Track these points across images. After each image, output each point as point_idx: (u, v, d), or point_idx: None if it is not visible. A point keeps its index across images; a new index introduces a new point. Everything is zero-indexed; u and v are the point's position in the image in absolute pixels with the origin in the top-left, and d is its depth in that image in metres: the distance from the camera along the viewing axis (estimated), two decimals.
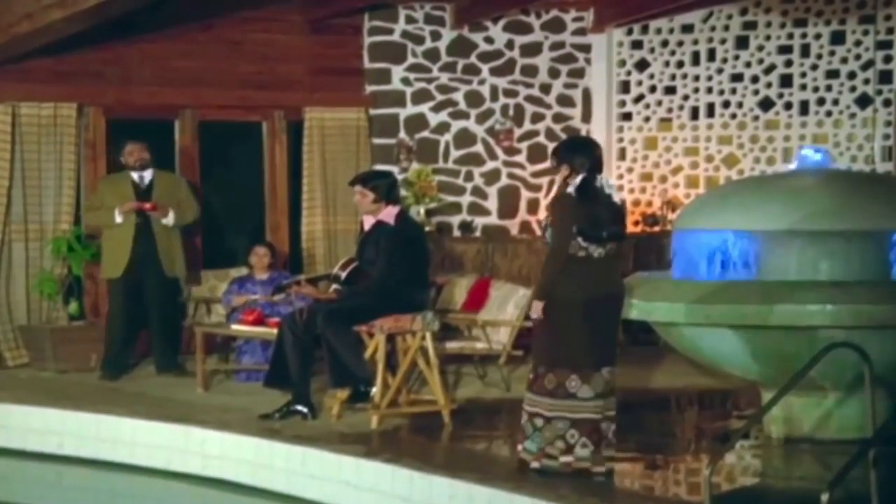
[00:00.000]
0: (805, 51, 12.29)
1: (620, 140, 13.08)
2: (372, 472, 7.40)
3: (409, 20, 12.55)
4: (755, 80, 12.49)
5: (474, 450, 8.04)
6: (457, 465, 7.30)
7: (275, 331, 8.93)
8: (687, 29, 12.79)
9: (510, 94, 12.92)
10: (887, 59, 11.89)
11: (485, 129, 12.86)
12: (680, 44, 12.82)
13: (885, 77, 11.87)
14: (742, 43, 12.55)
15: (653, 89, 12.94)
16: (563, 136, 12.56)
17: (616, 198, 7.14)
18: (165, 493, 8.56)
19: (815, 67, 12.24)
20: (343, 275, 8.74)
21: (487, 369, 10.13)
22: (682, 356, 8.49)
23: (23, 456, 9.11)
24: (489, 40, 12.84)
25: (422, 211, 12.17)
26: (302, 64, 12.15)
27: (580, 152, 7.14)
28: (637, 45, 13.00)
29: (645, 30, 12.94)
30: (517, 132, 12.96)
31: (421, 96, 12.59)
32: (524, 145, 12.95)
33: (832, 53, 12.16)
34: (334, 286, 8.88)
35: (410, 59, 12.56)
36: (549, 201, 7.38)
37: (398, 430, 8.40)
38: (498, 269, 11.96)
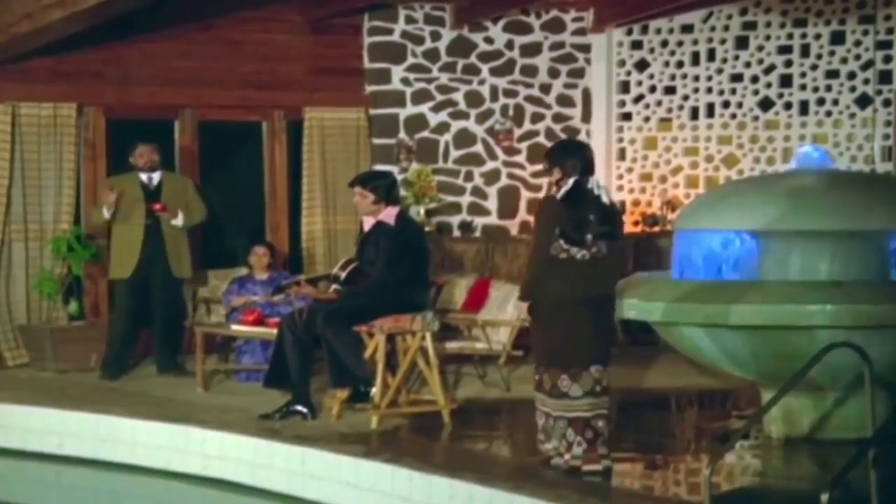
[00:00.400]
0: (805, 51, 12.29)
1: (620, 140, 13.08)
2: (372, 473, 7.40)
3: (409, 20, 12.55)
4: (755, 80, 12.49)
5: (474, 450, 8.03)
6: (456, 466, 7.29)
7: (274, 331, 8.92)
8: (687, 29, 12.79)
9: (510, 94, 12.92)
10: (887, 59, 11.89)
11: (485, 129, 12.85)
12: (680, 44, 12.82)
13: (884, 77, 11.87)
14: (742, 43, 12.55)
15: (653, 89, 12.93)
16: (564, 136, 12.57)
17: (606, 199, 7.19)
18: (165, 493, 8.56)
19: (814, 67, 12.24)
20: (343, 275, 8.74)
21: (487, 369, 10.12)
22: (682, 356, 8.48)
23: (23, 456, 9.09)
24: (489, 40, 12.84)
25: (422, 211, 12.17)
26: (302, 64, 12.15)
27: (572, 155, 7.21)
28: (637, 45, 13.00)
29: (645, 30, 12.94)
30: (517, 132, 12.96)
31: (421, 96, 12.59)
32: (524, 145, 12.95)
33: (832, 53, 12.16)
34: (334, 286, 8.87)
35: (410, 59, 12.56)
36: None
37: (398, 431, 8.39)
38: (498, 269, 11.96)
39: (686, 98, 12.80)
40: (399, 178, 12.13)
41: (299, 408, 8.62)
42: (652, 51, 12.92)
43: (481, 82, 12.83)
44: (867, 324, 7.19)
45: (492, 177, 12.88)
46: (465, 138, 12.77)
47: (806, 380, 6.62)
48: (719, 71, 12.64)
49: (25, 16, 9.40)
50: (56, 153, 11.13)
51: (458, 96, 12.75)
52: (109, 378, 10.28)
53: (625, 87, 13.08)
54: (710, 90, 12.70)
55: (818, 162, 8.23)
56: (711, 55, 12.69)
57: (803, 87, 12.29)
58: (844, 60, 12.09)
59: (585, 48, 13.11)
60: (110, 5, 8.98)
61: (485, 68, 12.83)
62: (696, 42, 12.76)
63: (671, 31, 12.84)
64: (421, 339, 8.48)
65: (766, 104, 12.47)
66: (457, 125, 12.74)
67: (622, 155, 13.06)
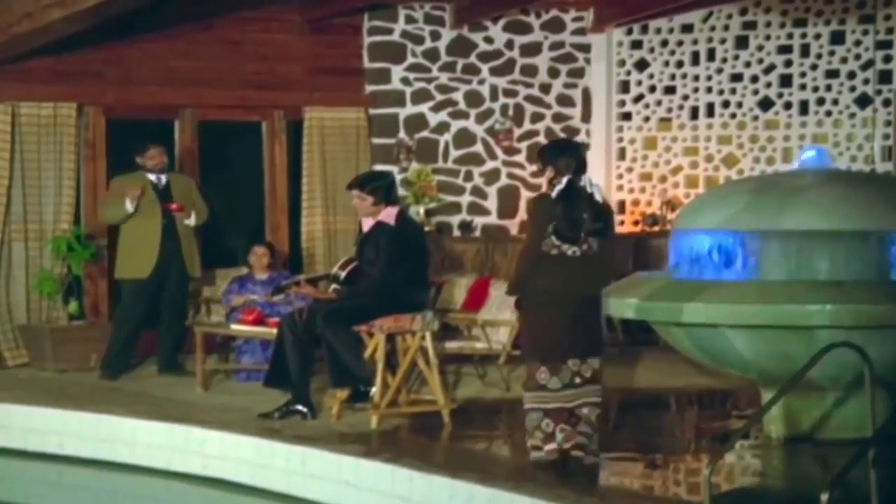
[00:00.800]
0: (805, 51, 12.29)
1: (620, 140, 13.07)
2: (372, 472, 7.39)
3: (409, 20, 12.55)
4: (755, 79, 12.49)
5: (474, 450, 8.03)
6: (457, 465, 7.28)
7: (274, 330, 8.91)
8: (687, 29, 12.78)
9: (510, 93, 12.92)
10: (887, 59, 11.89)
11: (484, 128, 12.85)
12: (680, 43, 12.82)
13: (884, 77, 11.87)
14: (742, 43, 12.54)
15: (652, 89, 12.93)
16: (564, 135, 12.57)
17: (599, 196, 7.24)
18: (165, 493, 8.55)
19: (814, 67, 12.24)
20: (342, 274, 8.74)
21: (487, 369, 10.12)
22: (682, 356, 8.48)
23: (23, 456, 9.09)
24: (489, 40, 12.83)
25: (421, 211, 12.17)
26: (302, 64, 12.15)
27: (565, 154, 7.28)
28: (637, 44, 13.00)
29: (644, 29, 12.94)
30: (517, 132, 12.95)
31: (420, 96, 12.59)
32: (524, 145, 12.94)
33: (832, 53, 12.16)
34: (334, 286, 8.87)
35: (410, 59, 12.56)
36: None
37: (398, 430, 8.39)
38: (498, 269, 11.96)
39: (686, 98, 12.80)
40: (399, 177, 12.16)
41: (299, 407, 8.61)
42: (652, 50, 12.92)
43: (481, 82, 12.83)
44: (867, 324, 7.20)
45: (491, 176, 12.88)
46: (464, 138, 12.77)
47: (806, 380, 6.61)
48: (719, 71, 12.64)
49: (25, 15, 9.39)
50: (56, 153, 11.13)
51: (458, 96, 12.74)
52: (109, 378, 10.27)
53: (625, 87, 13.07)
54: (709, 90, 12.70)
55: (818, 162, 8.23)
56: (711, 55, 12.68)
57: (803, 87, 12.29)
58: (844, 60, 12.09)
59: (585, 48, 13.10)
60: (110, 5, 8.96)
61: (485, 68, 12.82)
62: (695, 42, 12.75)
63: (671, 30, 12.84)
64: (421, 339, 8.47)
65: (765, 104, 12.47)
66: (457, 125, 12.74)
67: (622, 155, 13.06)
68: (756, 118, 12.50)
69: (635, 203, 12.94)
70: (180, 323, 10.62)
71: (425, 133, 12.63)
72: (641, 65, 12.98)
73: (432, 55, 12.64)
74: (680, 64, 12.82)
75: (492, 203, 12.88)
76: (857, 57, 12.03)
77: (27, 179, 11.06)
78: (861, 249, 7.53)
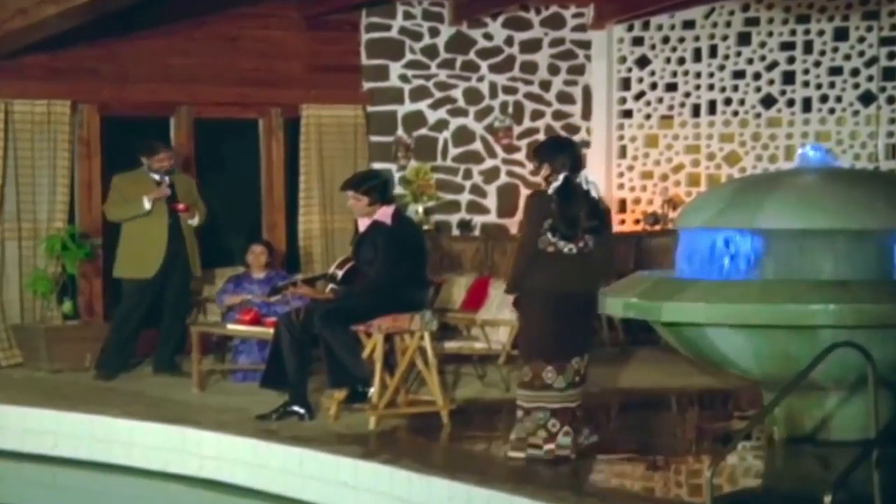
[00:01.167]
0: (808, 47, 12.23)
1: (621, 138, 13.02)
2: (370, 474, 7.37)
3: (407, 16, 12.49)
4: (757, 76, 12.44)
5: (473, 450, 8.00)
6: (455, 466, 7.26)
7: (271, 330, 8.87)
8: (688, 25, 12.73)
9: (509, 91, 12.86)
10: (891, 56, 11.84)
11: (484, 126, 12.80)
12: (681, 40, 12.76)
13: (888, 74, 11.83)
14: (744, 39, 12.50)
15: (654, 86, 12.88)
16: (564, 133, 12.51)
17: (595, 193, 7.30)
18: (162, 495, 8.53)
19: (817, 64, 12.18)
20: (340, 274, 8.71)
21: (486, 369, 10.08)
22: (682, 356, 8.43)
23: (18, 457, 9.06)
24: (488, 37, 12.77)
25: (420, 209, 12.12)
26: (299, 61, 12.10)
27: (561, 152, 7.35)
28: (638, 41, 12.94)
29: (646, 26, 12.88)
30: (516, 129, 12.90)
31: (419, 93, 12.53)
32: (523, 143, 12.88)
33: (835, 50, 12.10)
34: (331, 286, 8.83)
35: (408, 56, 12.50)
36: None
37: (396, 431, 8.36)
38: (497, 268, 11.90)
39: (687, 95, 12.75)
40: (397, 175, 12.12)
41: (296, 408, 8.58)
42: (653, 47, 12.86)
43: (480, 79, 12.77)
44: (870, 323, 7.16)
45: (491, 175, 12.82)
46: (463, 136, 12.72)
47: (808, 380, 6.57)
48: (721, 67, 12.58)
49: (19, 11, 9.35)
50: (50, 151, 11.08)
51: (457, 93, 12.69)
52: (105, 378, 10.23)
53: (625, 84, 13.02)
54: (711, 87, 12.65)
55: (820, 160, 8.17)
56: (713, 52, 12.63)
57: (806, 84, 12.24)
58: (848, 57, 12.03)
59: (586, 45, 13.05)
60: (104, 1, 8.93)
61: (484, 65, 12.77)
62: (697, 38, 12.70)
63: (672, 27, 12.78)
64: (419, 339, 8.44)
65: (768, 101, 12.42)
66: (455, 122, 12.68)
67: (623, 153, 13.00)
68: (758, 115, 12.45)
69: (636, 202, 12.89)
70: (181, 323, 10.58)
71: (424, 131, 12.57)
72: (642, 62, 12.93)
73: (431, 52, 12.58)
74: (681, 61, 12.76)
75: (491, 201, 12.83)
76: (861, 54, 11.98)
77: (21, 178, 11.02)
78: (862, 249, 7.47)
